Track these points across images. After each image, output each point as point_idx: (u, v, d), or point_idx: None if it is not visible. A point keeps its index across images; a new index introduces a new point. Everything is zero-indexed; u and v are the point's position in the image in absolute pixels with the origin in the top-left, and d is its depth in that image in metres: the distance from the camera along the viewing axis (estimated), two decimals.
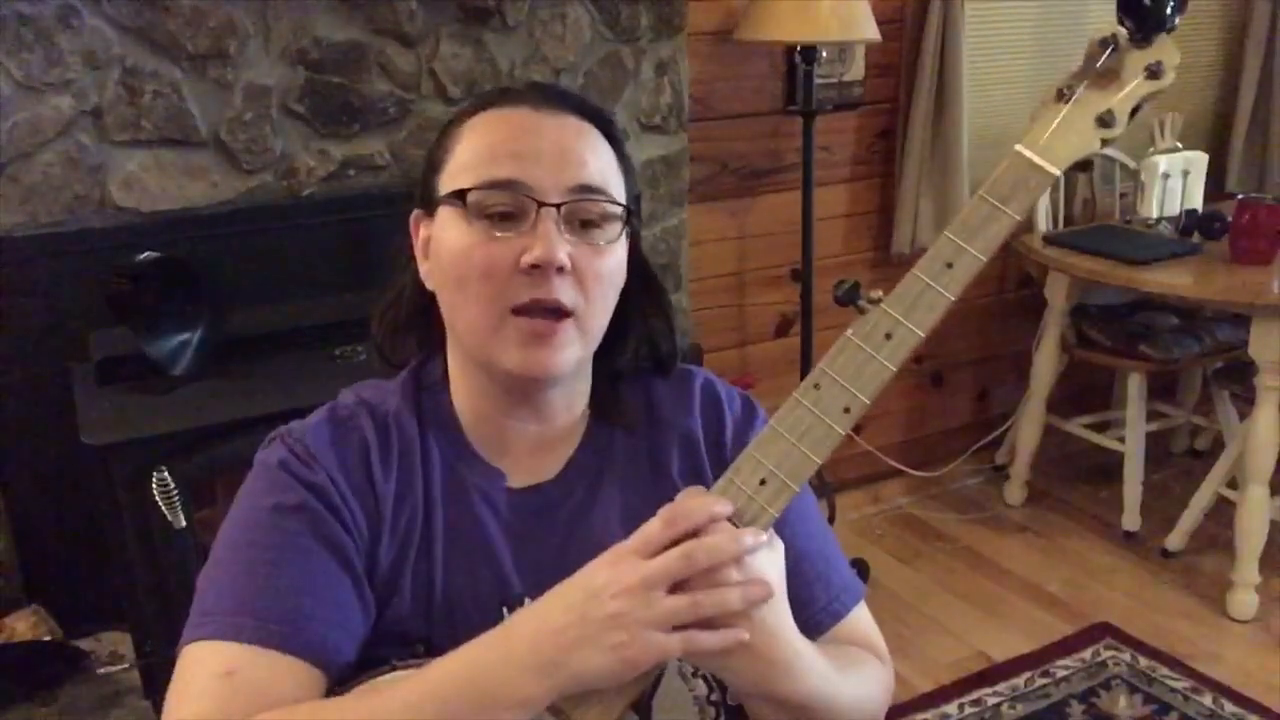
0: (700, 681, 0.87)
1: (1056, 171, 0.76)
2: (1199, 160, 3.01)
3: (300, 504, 0.84)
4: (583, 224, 0.85)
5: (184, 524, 1.71)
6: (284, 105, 2.08)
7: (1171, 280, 2.64)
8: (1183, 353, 2.86)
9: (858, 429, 3.22)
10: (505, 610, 0.87)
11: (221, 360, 1.93)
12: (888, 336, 0.76)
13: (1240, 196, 2.72)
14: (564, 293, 0.83)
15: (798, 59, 2.58)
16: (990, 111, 3.08)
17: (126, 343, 1.85)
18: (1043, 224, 3.10)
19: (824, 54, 2.64)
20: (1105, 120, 0.77)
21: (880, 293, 0.77)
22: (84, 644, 1.97)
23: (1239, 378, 2.78)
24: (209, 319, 1.94)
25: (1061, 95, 0.78)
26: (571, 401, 0.93)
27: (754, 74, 2.72)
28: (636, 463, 0.93)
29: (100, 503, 1.78)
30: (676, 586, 0.73)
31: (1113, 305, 3.04)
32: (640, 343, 0.96)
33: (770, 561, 0.77)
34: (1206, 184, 3.03)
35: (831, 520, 2.79)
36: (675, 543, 0.74)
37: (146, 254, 1.87)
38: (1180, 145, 3.02)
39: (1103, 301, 3.03)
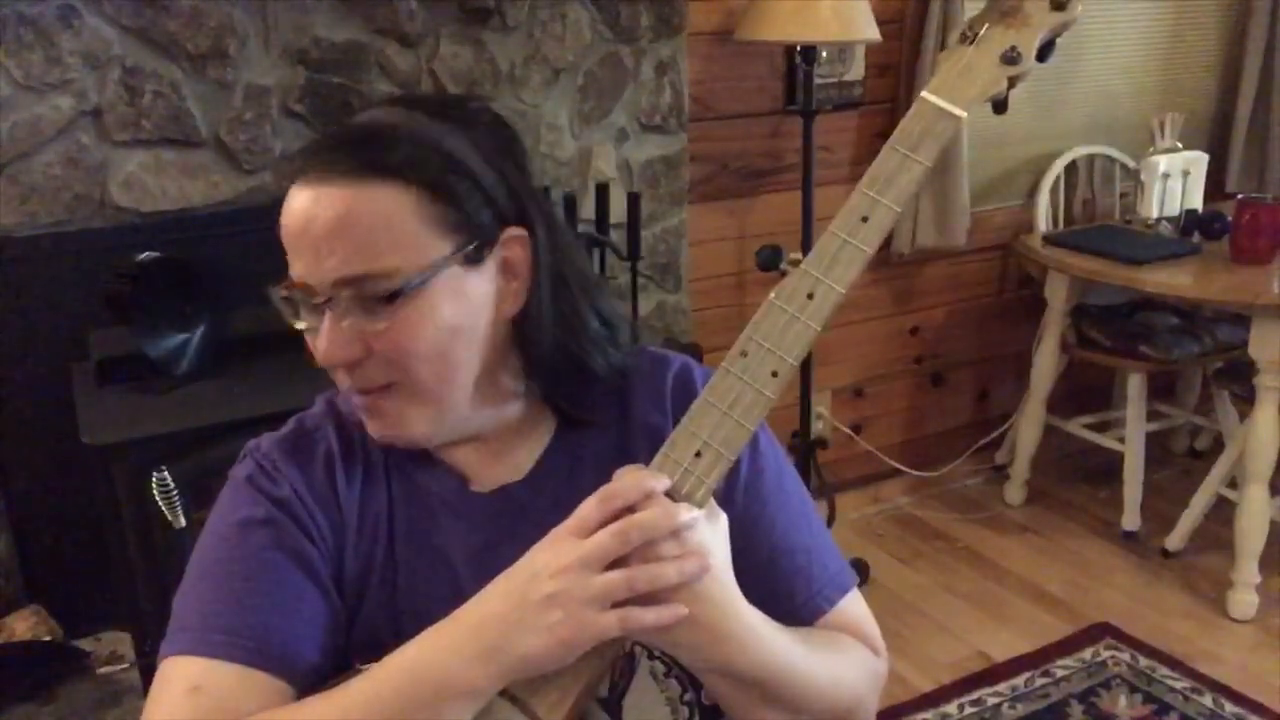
0: (674, 682, 0.87)
1: (962, 114, 0.76)
2: (1199, 160, 3.01)
3: (267, 518, 0.86)
4: (365, 306, 0.81)
5: (184, 524, 1.71)
6: (284, 105, 2.08)
7: (1171, 280, 2.64)
8: (1183, 353, 2.86)
9: (858, 429, 3.23)
10: None
11: (221, 360, 1.93)
12: (810, 296, 0.76)
13: (1240, 196, 2.72)
14: (368, 376, 0.84)
15: (798, 59, 2.58)
16: (989, 111, 3.07)
17: (126, 343, 1.85)
18: (1043, 224, 3.10)
19: (824, 54, 2.64)
20: (1010, 57, 0.76)
21: (800, 254, 0.78)
22: (84, 644, 1.97)
23: (1239, 378, 2.78)
24: (209, 319, 1.94)
25: (965, 38, 0.77)
26: (498, 415, 0.91)
27: (754, 74, 2.72)
28: (606, 462, 0.91)
29: (100, 503, 1.78)
30: (616, 564, 0.73)
31: (1113, 305, 3.04)
32: (587, 345, 0.91)
33: (711, 534, 0.77)
34: (1206, 184, 3.03)
35: (831, 520, 2.78)
36: (612, 520, 0.74)
37: (146, 254, 1.87)
38: (1180, 145, 3.02)
39: (1103, 301, 3.03)
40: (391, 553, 0.89)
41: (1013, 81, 0.77)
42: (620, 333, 0.94)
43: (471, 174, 0.83)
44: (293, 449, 0.91)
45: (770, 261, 0.78)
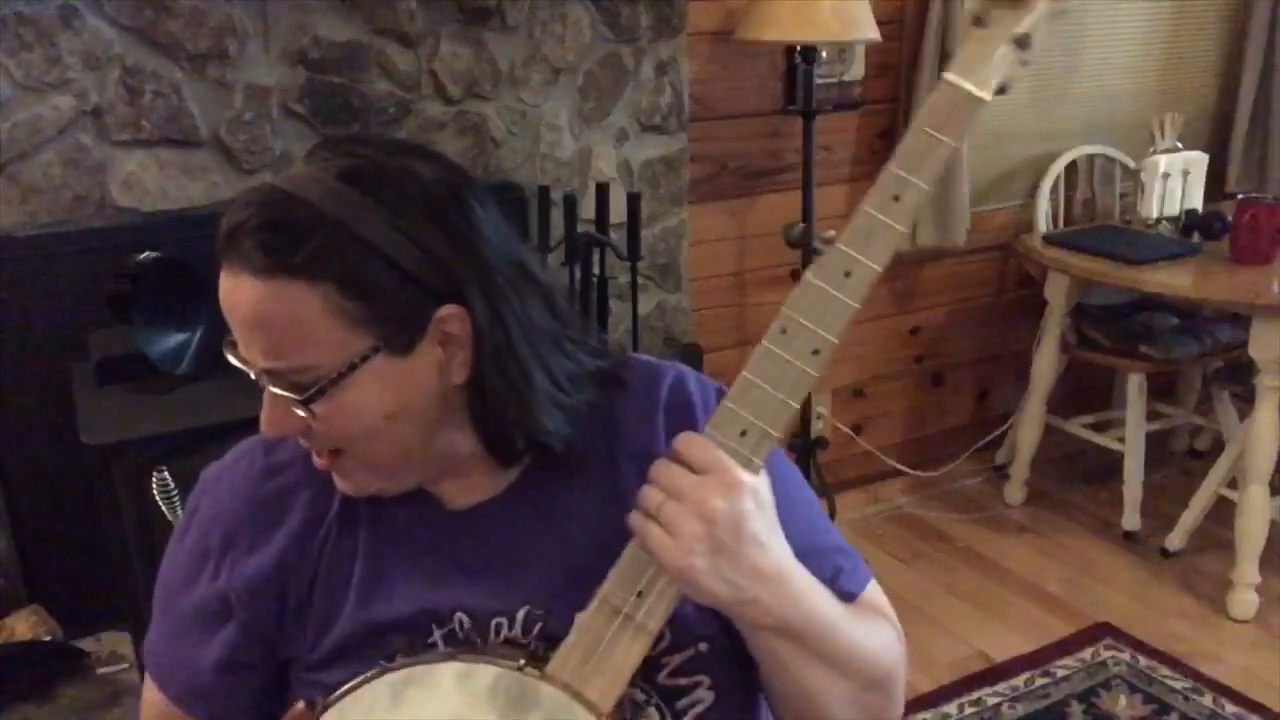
0: (654, 710, 0.86)
1: (986, 96, 0.78)
2: (1199, 160, 3.01)
3: (204, 552, 0.91)
4: (293, 395, 0.81)
5: None
6: (284, 105, 2.08)
7: (1171, 280, 2.65)
8: (1183, 353, 2.86)
9: (858, 429, 3.23)
10: (436, 629, 0.86)
11: (221, 360, 1.92)
12: (847, 274, 0.77)
13: (1240, 196, 2.72)
14: (316, 443, 0.85)
15: (798, 59, 2.58)
16: (990, 111, 3.06)
17: (126, 343, 1.85)
18: (1043, 224, 3.10)
19: (824, 54, 2.64)
20: (1022, 42, 0.77)
21: (834, 232, 0.78)
22: (84, 644, 1.97)
23: (1239, 378, 2.78)
24: (209, 319, 1.93)
25: (979, 21, 0.78)
26: (461, 459, 0.88)
27: (754, 74, 2.71)
28: (589, 487, 0.89)
29: (100, 503, 1.78)
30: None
31: (1113, 305, 3.04)
32: (539, 414, 0.85)
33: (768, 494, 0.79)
34: (1206, 184, 3.03)
35: (831, 520, 2.79)
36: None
37: (146, 254, 1.86)
38: (1180, 145, 3.02)
39: (1103, 301, 3.03)
40: (348, 574, 0.89)
41: (1025, 65, 0.79)
42: (582, 393, 0.88)
43: (392, 261, 0.78)
44: (243, 475, 0.94)
45: (802, 239, 0.77)
